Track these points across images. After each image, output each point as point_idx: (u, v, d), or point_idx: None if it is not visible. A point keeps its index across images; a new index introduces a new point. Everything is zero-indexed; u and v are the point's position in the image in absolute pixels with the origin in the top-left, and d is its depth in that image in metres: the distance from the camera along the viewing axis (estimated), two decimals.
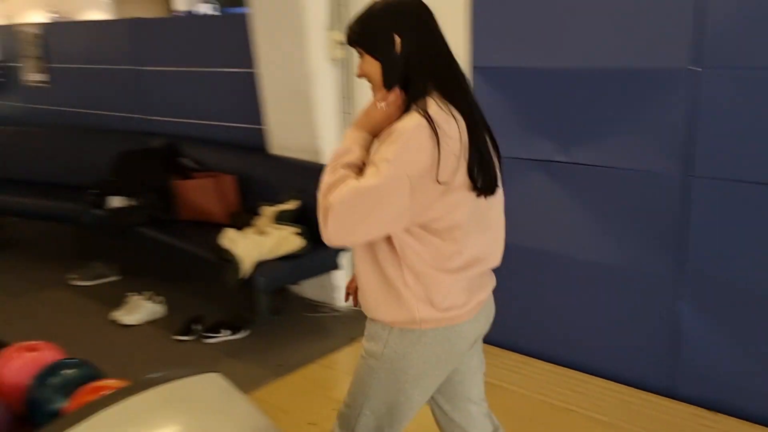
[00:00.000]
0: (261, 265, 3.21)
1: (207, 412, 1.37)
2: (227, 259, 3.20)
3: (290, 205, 3.48)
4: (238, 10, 12.43)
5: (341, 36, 3.43)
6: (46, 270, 4.51)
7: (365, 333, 1.69)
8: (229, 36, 4.15)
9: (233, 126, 4.20)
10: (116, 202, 4.03)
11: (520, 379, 2.98)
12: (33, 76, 5.55)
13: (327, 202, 1.48)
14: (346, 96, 3.56)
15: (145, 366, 3.17)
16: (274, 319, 3.69)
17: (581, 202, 2.89)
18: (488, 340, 3.22)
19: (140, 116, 4.83)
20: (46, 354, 1.97)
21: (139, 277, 4.29)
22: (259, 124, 3.90)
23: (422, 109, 1.46)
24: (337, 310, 3.80)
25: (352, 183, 1.47)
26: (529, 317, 3.14)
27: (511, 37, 2.94)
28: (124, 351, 3.36)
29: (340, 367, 3.25)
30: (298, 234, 3.35)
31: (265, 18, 3.49)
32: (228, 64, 4.12)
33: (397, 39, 1.53)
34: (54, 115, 5.44)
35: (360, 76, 1.62)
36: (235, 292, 3.39)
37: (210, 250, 3.35)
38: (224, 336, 3.43)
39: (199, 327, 3.47)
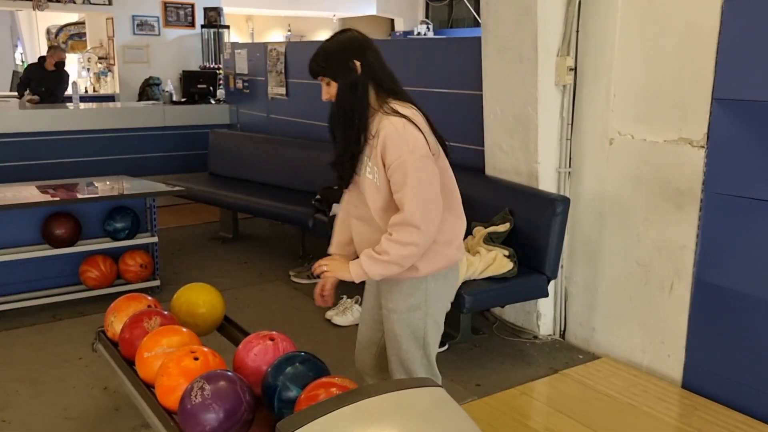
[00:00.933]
0: (468, 284, 3.26)
1: (432, 424, 1.44)
2: None
3: (502, 227, 3.50)
4: (451, 32, 12.70)
5: (572, 62, 3.38)
6: (272, 264, 4.99)
7: (392, 297, 2.11)
8: (454, 58, 4.28)
9: (452, 145, 4.31)
10: (338, 209, 4.34)
11: None
12: (274, 90, 6.17)
13: (401, 229, 1.95)
14: (569, 122, 3.50)
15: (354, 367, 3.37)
16: (475, 339, 3.73)
17: None
18: (707, 393, 3.00)
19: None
20: (281, 344, 2.19)
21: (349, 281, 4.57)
22: (477, 145, 3.97)
23: (391, 111, 1.97)
24: (538, 338, 3.74)
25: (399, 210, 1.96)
26: (757, 375, 2.84)
27: (762, 68, 2.69)
28: (336, 349, 3.60)
29: (539, 396, 3.19)
30: (508, 257, 3.36)
31: (497, 42, 3.56)
32: (452, 86, 4.26)
33: (357, 63, 1.98)
34: (290, 125, 6.01)
35: (328, 99, 2.04)
36: None
37: None
38: None
39: None
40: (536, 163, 3.54)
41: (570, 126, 3.51)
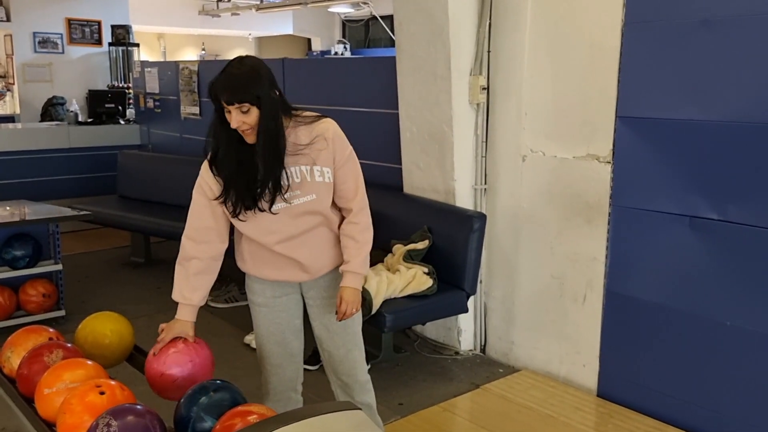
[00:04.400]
0: (389, 303, 3.25)
1: None
2: None
3: (421, 245, 3.51)
4: (368, 51, 12.84)
5: (484, 81, 3.46)
6: None
7: (326, 287, 2.28)
8: (371, 77, 4.30)
9: (370, 164, 4.32)
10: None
11: None
12: (187, 109, 6.01)
13: (363, 213, 2.23)
14: (484, 140, 3.57)
15: None
16: (397, 357, 3.71)
17: (731, 262, 2.70)
18: (621, 400, 3.10)
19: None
20: (195, 345, 2.20)
21: None
22: (394, 163, 3.99)
23: (313, 117, 2.13)
24: (459, 354, 3.76)
25: (364, 203, 2.24)
26: (667, 381, 2.96)
27: (661, 87, 2.84)
28: (256, 375, 3.48)
29: (461, 412, 3.20)
30: (427, 274, 3.37)
31: (412, 61, 3.59)
32: (369, 105, 4.27)
33: (278, 93, 2.04)
34: (204, 145, 5.85)
35: (239, 126, 1.98)
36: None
37: None
38: None
39: None
40: (453, 181, 3.58)
41: (485, 143, 3.58)
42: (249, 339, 3.86)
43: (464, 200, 3.62)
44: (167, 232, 5.00)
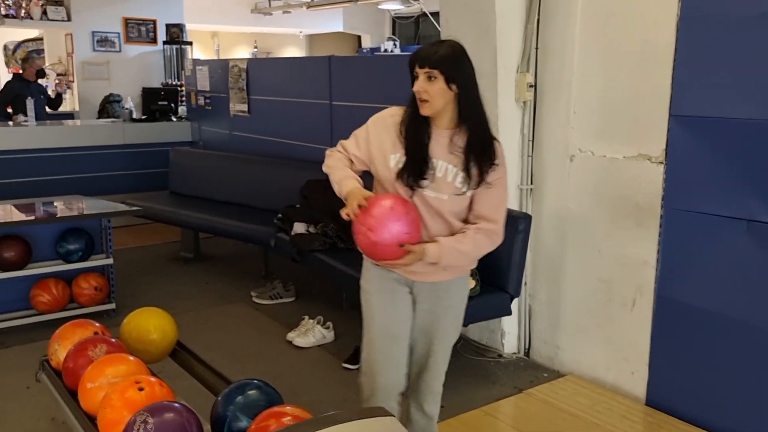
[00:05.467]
0: None
1: None
2: None
3: None
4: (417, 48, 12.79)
5: (532, 79, 3.38)
6: (234, 285, 4.88)
7: (450, 294, 2.25)
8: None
9: None
10: (300, 228, 4.26)
11: None
12: (236, 107, 6.08)
13: (495, 237, 2.17)
14: (530, 139, 3.49)
15: (314, 391, 3.28)
16: None
17: None
18: (671, 410, 2.98)
19: (329, 148, 5.09)
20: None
21: (312, 301, 4.49)
22: None
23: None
24: (502, 357, 3.70)
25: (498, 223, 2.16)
26: (720, 391, 2.83)
27: (717, 84, 2.71)
28: (297, 373, 3.50)
29: (503, 417, 3.14)
30: (471, 275, 3.31)
31: None
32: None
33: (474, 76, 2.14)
34: (253, 142, 5.92)
35: (419, 91, 2.08)
36: None
37: None
38: None
39: None
40: None
41: (531, 143, 3.50)
42: (291, 336, 3.88)
43: (510, 200, 3.53)
44: (216, 228, 5.07)
